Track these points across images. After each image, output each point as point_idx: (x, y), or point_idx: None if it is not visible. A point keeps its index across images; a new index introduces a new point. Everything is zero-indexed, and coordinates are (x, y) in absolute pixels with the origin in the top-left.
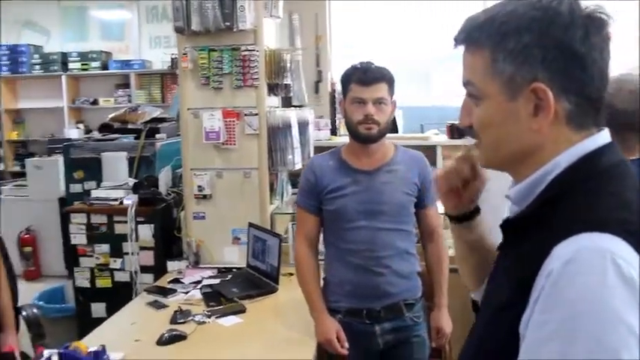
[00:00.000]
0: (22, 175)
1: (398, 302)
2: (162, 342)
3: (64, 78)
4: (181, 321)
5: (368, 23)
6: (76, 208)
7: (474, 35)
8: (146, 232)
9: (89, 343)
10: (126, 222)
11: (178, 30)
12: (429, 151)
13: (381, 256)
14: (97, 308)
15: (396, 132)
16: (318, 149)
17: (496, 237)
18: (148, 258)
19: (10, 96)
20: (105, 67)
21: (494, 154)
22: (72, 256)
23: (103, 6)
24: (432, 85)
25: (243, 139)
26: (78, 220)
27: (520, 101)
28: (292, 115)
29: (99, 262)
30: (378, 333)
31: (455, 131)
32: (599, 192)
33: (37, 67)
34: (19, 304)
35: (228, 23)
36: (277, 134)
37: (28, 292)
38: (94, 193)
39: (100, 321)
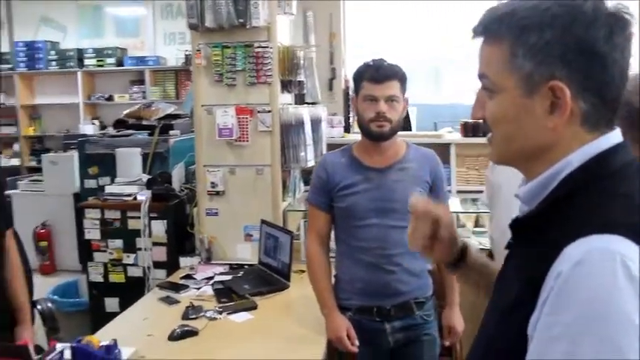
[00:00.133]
0: (38, 170)
1: (408, 300)
2: (173, 337)
3: (79, 74)
4: (193, 317)
5: (381, 22)
6: (91, 203)
7: (493, 27)
8: (159, 227)
9: (102, 337)
10: (139, 218)
11: (192, 27)
12: (443, 148)
13: (392, 254)
14: (110, 303)
15: (410, 130)
16: (331, 146)
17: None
18: (161, 254)
19: (27, 92)
20: (120, 63)
21: (506, 149)
22: (86, 251)
23: (118, 3)
24: (445, 82)
25: (256, 135)
26: (92, 215)
27: (536, 98)
28: (305, 113)
29: (112, 257)
30: (389, 331)
31: (469, 129)
32: (611, 192)
33: (54, 63)
34: (34, 297)
35: (241, 20)
36: (290, 131)
37: (43, 286)
38: (108, 189)
39: (113, 315)
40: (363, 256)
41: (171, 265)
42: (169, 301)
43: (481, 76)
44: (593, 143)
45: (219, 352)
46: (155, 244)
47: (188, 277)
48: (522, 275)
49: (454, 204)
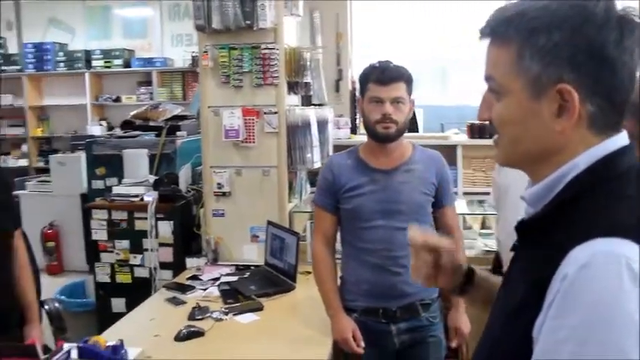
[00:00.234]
0: (45, 171)
1: (414, 302)
2: (180, 338)
3: (87, 75)
4: (199, 317)
5: (388, 22)
6: (98, 204)
7: (501, 29)
8: (166, 228)
9: (108, 337)
10: (146, 218)
11: (199, 28)
12: (449, 150)
13: (398, 255)
14: (117, 303)
15: (417, 131)
16: (338, 148)
17: None
18: (168, 254)
19: (35, 93)
20: (127, 64)
21: (513, 152)
22: (93, 251)
23: (126, 4)
24: (452, 83)
25: (263, 137)
26: (99, 216)
27: (543, 101)
28: (312, 114)
29: (119, 258)
30: (394, 333)
31: (475, 131)
32: (617, 195)
33: (62, 64)
34: (42, 298)
35: (248, 22)
36: (296, 133)
37: (51, 287)
38: (115, 190)
39: (119, 316)
40: (368, 257)
41: (177, 266)
42: (176, 301)
43: (488, 78)
44: (600, 146)
45: (225, 353)
46: (162, 244)
47: (194, 277)
48: (528, 277)
49: (460, 206)
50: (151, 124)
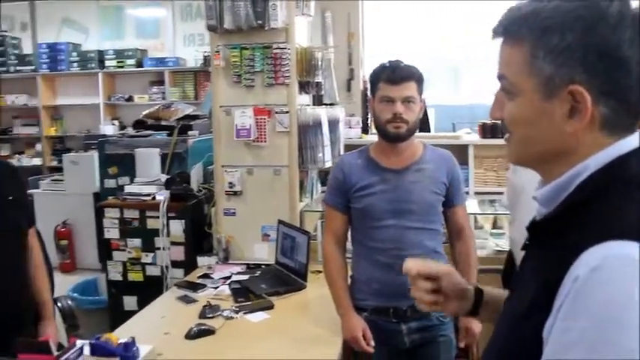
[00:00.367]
0: (59, 169)
1: None
2: (190, 336)
3: (100, 75)
4: (210, 316)
5: (400, 22)
6: (110, 202)
7: (514, 28)
8: (177, 227)
9: (120, 335)
10: (158, 217)
11: (211, 28)
12: (461, 150)
13: (408, 255)
14: (129, 301)
15: (429, 131)
16: (349, 147)
17: None
18: (179, 253)
19: (49, 93)
20: (140, 64)
21: (524, 152)
22: (105, 249)
23: (139, 4)
24: (464, 83)
25: (274, 136)
26: (111, 214)
27: (555, 102)
28: (323, 113)
29: (131, 256)
30: (405, 332)
31: (487, 130)
32: (630, 197)
33: (75, 64)
34: (55, 295)
35: (260, 21)
36: (308, 132)
37: (63, 284)
38: (128, 189)
39: (131, 313)
40: (379, 257)
41: (189, 265)
42: (187, 300)
43: (500, 77)
44: (613, 147)
45: (236, 352)
46: (173, 243)
47: (205, 276)
48: (540, 277)
49: (472, 205)
50: (163, 123)
